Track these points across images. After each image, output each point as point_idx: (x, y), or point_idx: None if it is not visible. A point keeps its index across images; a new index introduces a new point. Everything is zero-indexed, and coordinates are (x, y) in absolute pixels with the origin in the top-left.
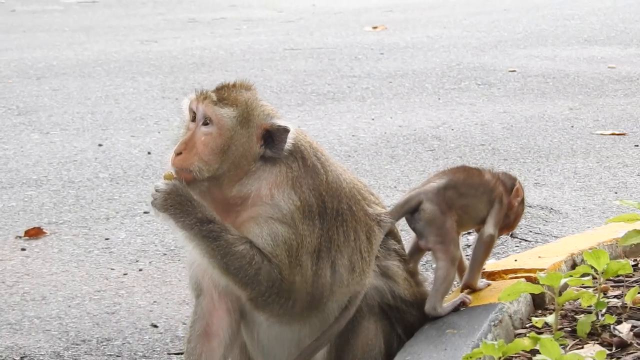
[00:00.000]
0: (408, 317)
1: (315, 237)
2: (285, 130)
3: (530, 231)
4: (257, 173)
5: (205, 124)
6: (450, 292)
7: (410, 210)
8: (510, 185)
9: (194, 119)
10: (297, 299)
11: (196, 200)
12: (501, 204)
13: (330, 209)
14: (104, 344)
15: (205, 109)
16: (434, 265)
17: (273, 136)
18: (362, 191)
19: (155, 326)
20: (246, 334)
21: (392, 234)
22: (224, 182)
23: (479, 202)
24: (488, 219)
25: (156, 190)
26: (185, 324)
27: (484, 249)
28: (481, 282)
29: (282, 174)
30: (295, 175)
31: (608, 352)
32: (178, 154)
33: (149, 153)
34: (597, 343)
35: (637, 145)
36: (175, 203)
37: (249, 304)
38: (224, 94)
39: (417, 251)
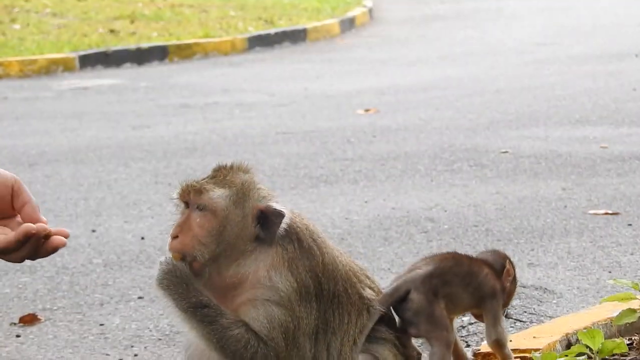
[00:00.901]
0: None
1: (312, 319)
2: (280, 215)
3: (525, 311)
4: (254, 254)
5: (198, 208)
6: None
7: (399, 300)
8: (500, 267)
9: (187, 205)
10: None
11: (193, 283)
12: (495, 298)
13: (327, 291)
14: None
15: (194, 199)
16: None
17: (267, 219)
18: (357, 274)
19: None
20: None
21: (386, 322)
22: (221, 264)
23: (463, 292)
24: (486, 323)
25: (159, 268)
26: None
27: (496, 349)
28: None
29: (279, 256)
30: (291, 257)
31: None
32: (174, 237)
33: (142, 238)
34: None
35: (630, 225)
36: (171, 284)
37: None
38: (219, 176)
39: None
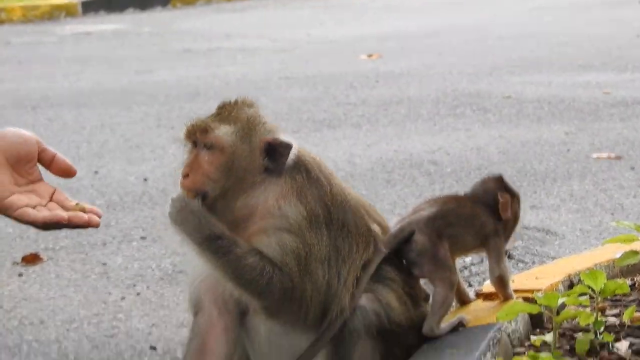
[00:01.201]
0: (406, 339)
1: (323, 246)
2: (288, 146)
3: (528, 253)
4: (263, 185)
5: (206, 146)
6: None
7: (403, 241)
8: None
9: (195, 145)
10: (310, 307)
11: (206, 216)
12: (497, 236)
13: (336, 220)
14: None
15: (201, 138)
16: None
17: (275, 150)
18: (366, 207)
19: (154, 348)
20: (249, 347)
21: (390, 262)
22: (230, 197)
23: (466, 233)
24: (489, 261)
25: (170, 204)
26: (183, 346)
27: (499, 286)
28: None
29: (287, 185)
30: (300, 186)
31: None
32: (185, 176)
33: (145, 180)
34: None
35: (633, 168)
36: (185, 219)
37: (263, 312)
38: (224, 113)
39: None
